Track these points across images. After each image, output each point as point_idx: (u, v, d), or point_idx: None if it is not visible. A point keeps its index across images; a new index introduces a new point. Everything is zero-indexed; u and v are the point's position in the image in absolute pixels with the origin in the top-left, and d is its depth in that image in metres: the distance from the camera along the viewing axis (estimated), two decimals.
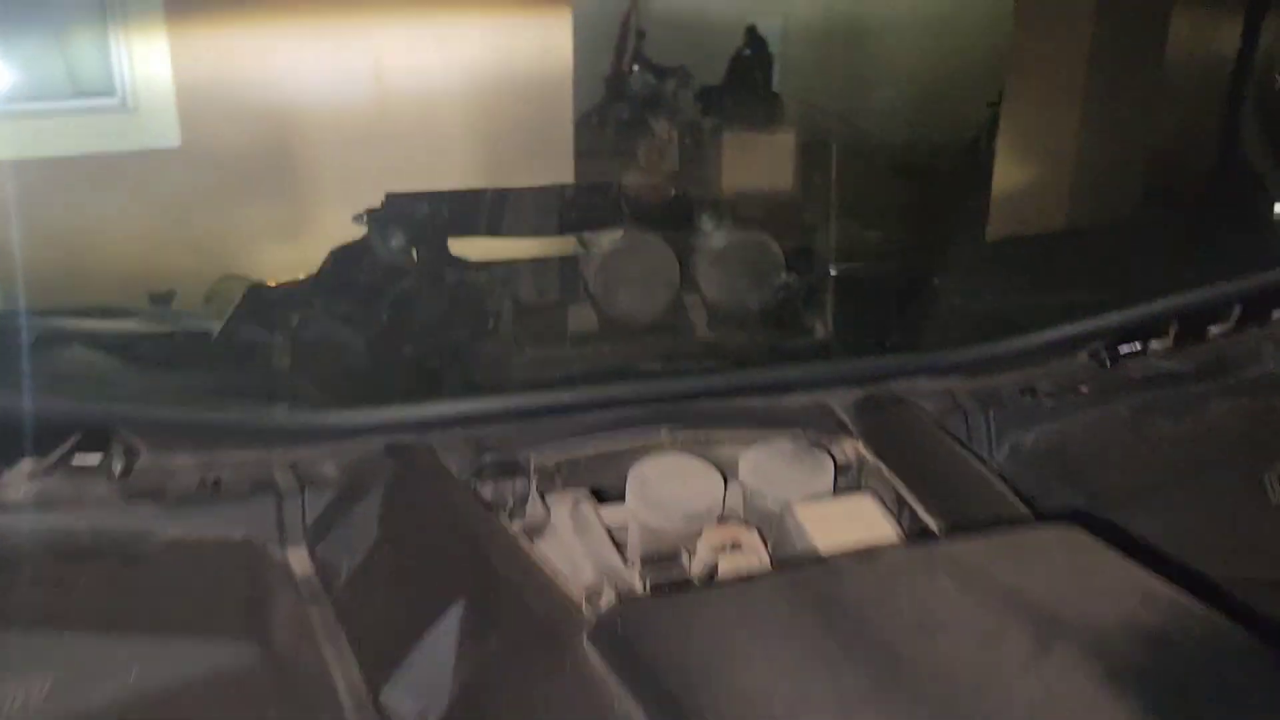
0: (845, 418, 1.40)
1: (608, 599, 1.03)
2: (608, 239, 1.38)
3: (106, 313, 1.84)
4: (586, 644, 0.86)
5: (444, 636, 0.98)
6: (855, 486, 1.34)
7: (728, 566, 1.09)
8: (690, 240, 1.43)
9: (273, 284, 1.71)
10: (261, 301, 1.54)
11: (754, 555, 1.10)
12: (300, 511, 1.24)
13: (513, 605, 0.95)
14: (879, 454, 1.32)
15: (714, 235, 1.41)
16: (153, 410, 1.19)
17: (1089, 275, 1.66)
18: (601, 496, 1.33)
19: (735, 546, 1.12)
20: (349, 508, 1.22)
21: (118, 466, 1.18)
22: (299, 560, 1.22)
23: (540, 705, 0.84)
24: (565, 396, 1.27)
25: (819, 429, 1.36)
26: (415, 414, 1.26)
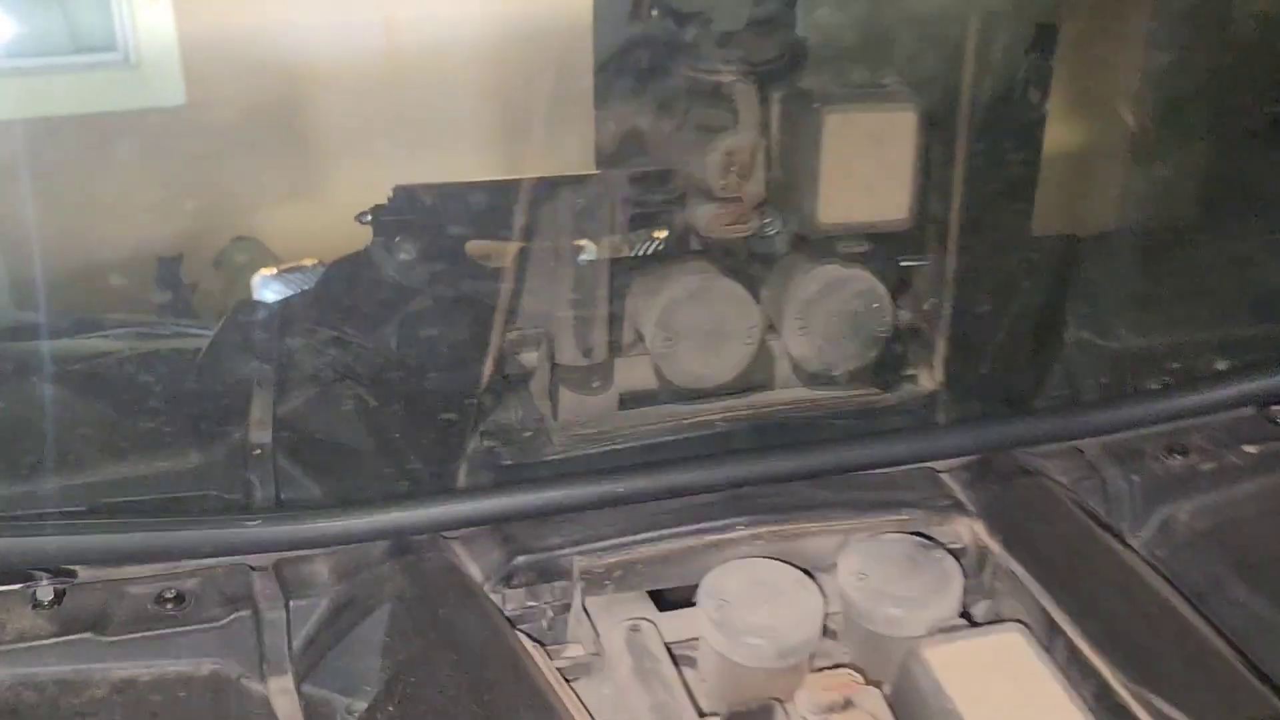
0: (957, 489, 1.13)
1: None
2: (669, 278, 1.10)
3: (80, 324, 1.58)
4: None
5: None
6: (976, 580, 1.07)
7: None
8: (774, 279, 1.15)
9: (256, 307, 1.45)
10: (240, 338, 1.27)
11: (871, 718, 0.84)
12: (285, 631, 0.99)
13: None
14: (1009, 547, 1.05)
15: (805, 272, 1.11)
16: (92, 540, 0.93)
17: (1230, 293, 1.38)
18: (660, 598, 1.07)
19: (847, 705, 0.86)
20: (346, 630, 0.96)
21: (46, 594, 0.92)
22: (282, 698, 0.97)
23: None
24: (617, 486, 1.00)
25: (928, 508, 1.10)
26: (429, 516, 0.99)
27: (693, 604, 1.07)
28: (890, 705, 0.86)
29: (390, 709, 0.86)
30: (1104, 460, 1.18)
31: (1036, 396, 1.21)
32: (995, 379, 1.21)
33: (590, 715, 0.84)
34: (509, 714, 0.79)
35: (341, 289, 1.34)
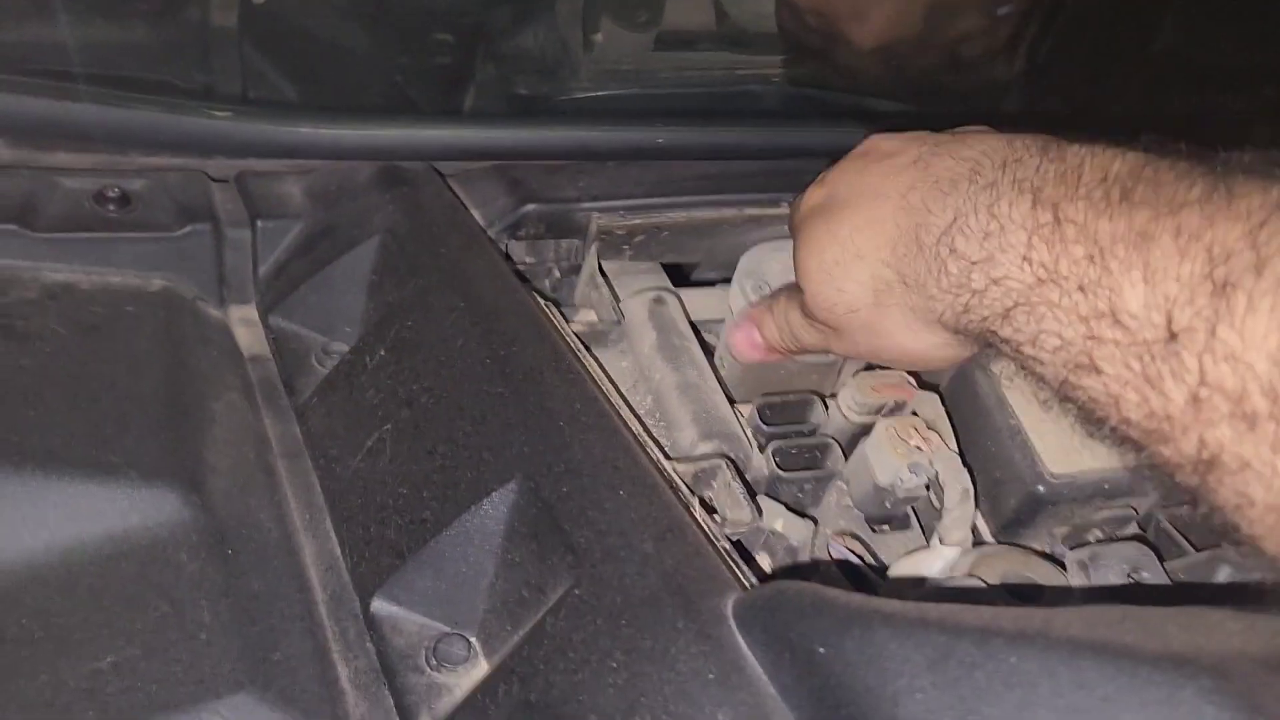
0: None
1: (723, 485, 0.69)
2: None
3: None
4: (732, 619, 0.52)
5: (480, 532, 0.63)
6: None
7: (887, 436, 0.74)
8: None
9: None
10: None
11: (924, 425, 0.75)
12: (250, 254, 0.85)
13: (599, 499, 0.59)
14: None
15: None
16: (11, 104, 0.75)
17: None
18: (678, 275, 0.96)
19: (898, 408, 0.77)
20: (324, 261, 0.83)
21: None
22: (245, 328, 0.85)
23: (658, 690, 0.51)
24: (655, 135, 0.86)
25: None
26: (428, 140, 0.83)
27: (709, 284, 0.97)
28: (947, 414, 0.77)
29: (382, 353, 0.74)
30: None
31: None
32: None
33: (614, 384, 0.73)
34: (529, 371, 0.68)
35: None
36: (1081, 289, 0.49)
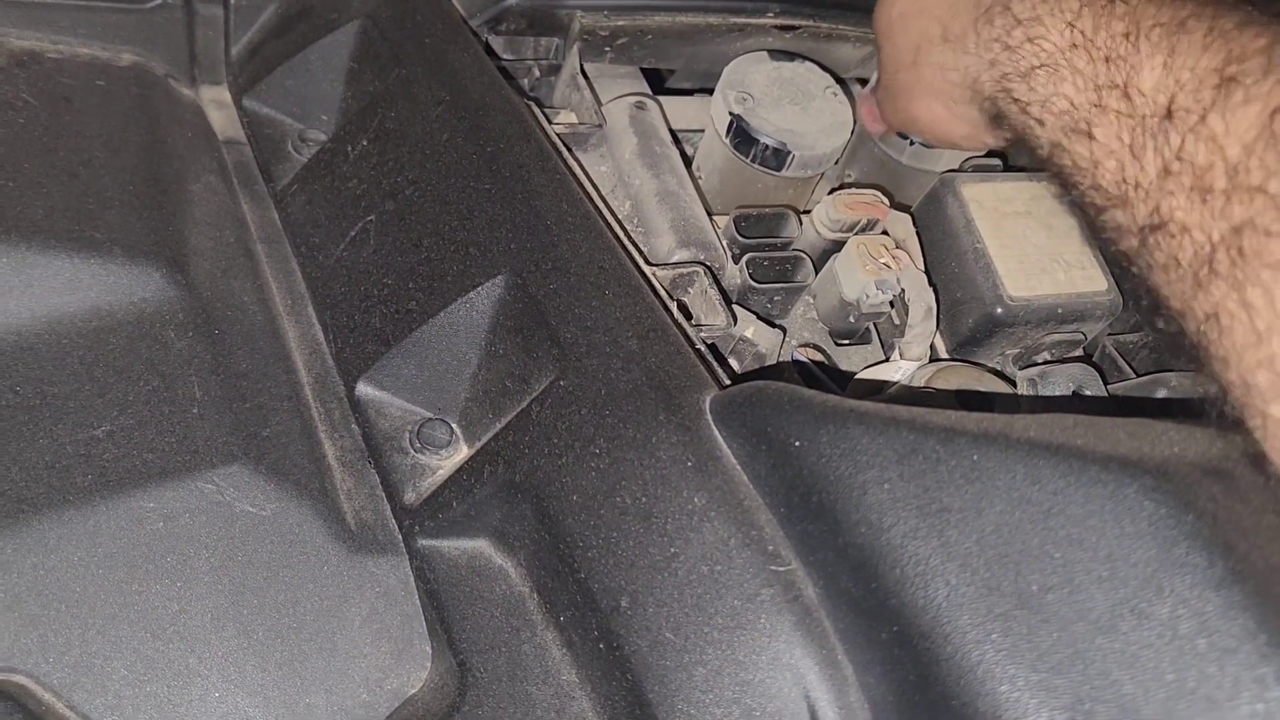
0: None
1: (699, 291, 0.71)
2: None
3: None
4: (709, 413, 0.56)
5: (465, 324, 0.65)
6: None
7: (857, 253, 0.76)
8: None
9: None
10: None
11: (893, 243, 0.77)
12: (223, 32, 0.83)
13: (586, 297, 0.61)
14: None
15: None
16: None
17: None
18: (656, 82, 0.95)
19: (870, 225, 0.79)
20: (300, 45, 0.81)
21: None
22: (217, 110, 0.83)
23: (638, 475, 0.54)
24: None
25: None
26: None
27: (686, 93, 0.96)
28: (917, 235, 0.79)
29: (365, 143, 0.74)
30: None
31: None
32: None
33: (596, 187, 0.74)
34: (516, 169, 0.68)
35: None
36: (1108, 60, 0.52)
